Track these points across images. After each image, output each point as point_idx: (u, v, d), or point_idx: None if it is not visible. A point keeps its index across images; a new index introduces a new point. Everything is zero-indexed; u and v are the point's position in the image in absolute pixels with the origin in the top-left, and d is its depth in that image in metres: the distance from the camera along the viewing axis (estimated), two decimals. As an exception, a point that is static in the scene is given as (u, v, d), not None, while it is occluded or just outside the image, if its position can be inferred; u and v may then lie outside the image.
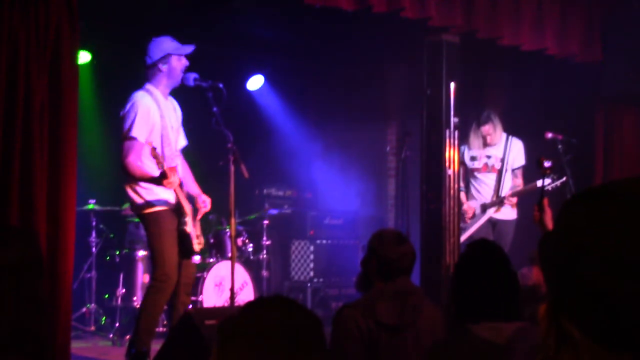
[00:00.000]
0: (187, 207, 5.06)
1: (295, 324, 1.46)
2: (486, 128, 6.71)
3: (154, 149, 4.78)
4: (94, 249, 7.20)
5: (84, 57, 7.18)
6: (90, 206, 7.09)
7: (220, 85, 5.10)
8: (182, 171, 5.22)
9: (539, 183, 6.14)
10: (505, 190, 6.71)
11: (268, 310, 1.48)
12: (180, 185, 5.01)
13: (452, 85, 5.94)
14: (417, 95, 6.21)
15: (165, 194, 5.01)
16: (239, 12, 6.85)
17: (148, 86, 5.10)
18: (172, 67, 5.10)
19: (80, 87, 4.55)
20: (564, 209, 0.96)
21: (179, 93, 5.43)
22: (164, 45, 5.11)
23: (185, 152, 5.42)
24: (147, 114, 4.95)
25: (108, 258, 7.32)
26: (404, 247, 3.31)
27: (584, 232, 0.91)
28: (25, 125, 4.10)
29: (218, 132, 5.03)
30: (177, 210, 5.05)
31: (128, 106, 4.97)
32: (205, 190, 5.31)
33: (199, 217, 5.20)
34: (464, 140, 6.66)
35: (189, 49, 5.15)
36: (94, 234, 7.21)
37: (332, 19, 6.10)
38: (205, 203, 5.21)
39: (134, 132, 4.89)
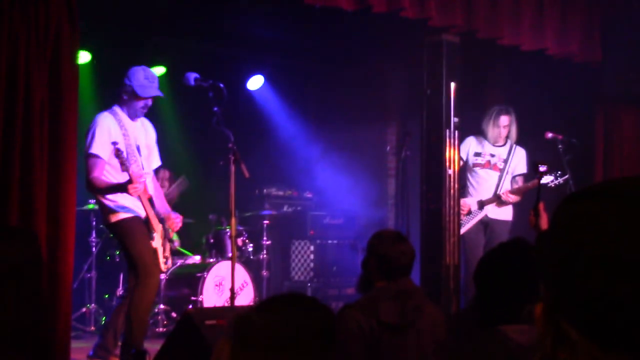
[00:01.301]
0: (156, 225, 5.09)
1: (311, 324, 1.47)
2: (505, 118, 6.67)
3: (117, 149, 4.82)
4: (94, 249, 7.20)
5: (84, 57, 7.17)
6: (90, 206, 7.08)
7: (221, 85, 5.10)
8: (153, 190, 5.26)
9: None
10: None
11: (283, 311, 1.49)
12: (151, 202, 5.07)
13: (452, 85, 5.94)
14: (417, 95, 6.21)
15: (134, 206, 5.05)
16: (238, 12, 6.85)
17: (115, 107, 5.17)
18: (133, 100, 5.13)
19: (80, 87, 4.55)
20: (561, 207, 0.96)
21: (179, 93, 5.43)
22: (137, 78, 5.11)
23: (186, 152, 5.42)
24: (106, 132, 5.01)
25: (108, 258, 7.31)
26: (403, 245, 3.31)
27: (583, 230, 0.91)
28: (25, 125, 4.10)
29: (218, 132, 5.03)
30: (145, 224, 5.10)
31: (89, 126, 5.06)
32: (205, 190, 5.32)
33: (170, 235, 5.25)
34: (469, 134, 6.64)
35: (154, 93, 5.14)
36: (94, 234, 7.20)
37: (332, 19, 6.09)
38: (176, 222, 5.27)
39: (94, 149, 4.97)
